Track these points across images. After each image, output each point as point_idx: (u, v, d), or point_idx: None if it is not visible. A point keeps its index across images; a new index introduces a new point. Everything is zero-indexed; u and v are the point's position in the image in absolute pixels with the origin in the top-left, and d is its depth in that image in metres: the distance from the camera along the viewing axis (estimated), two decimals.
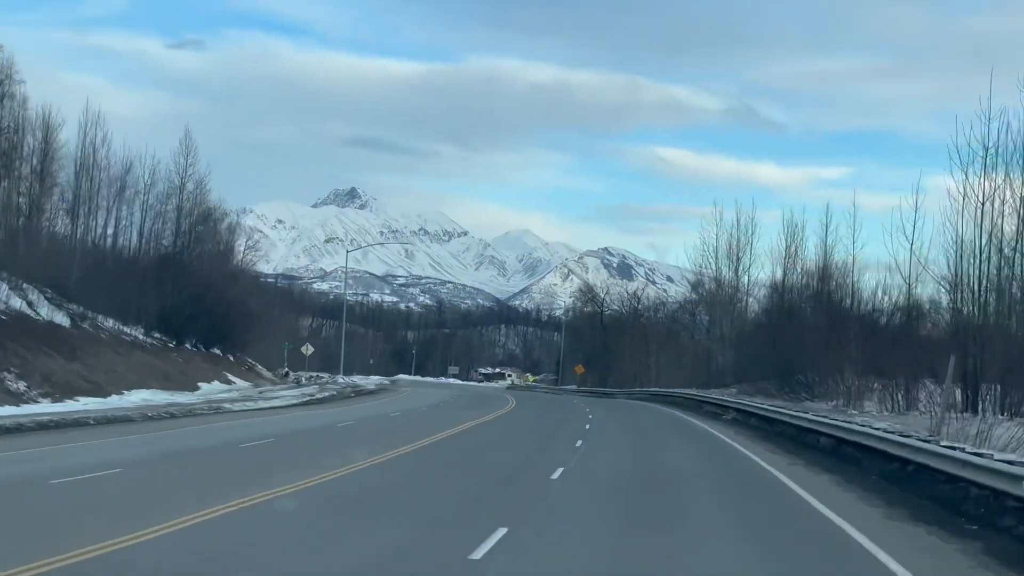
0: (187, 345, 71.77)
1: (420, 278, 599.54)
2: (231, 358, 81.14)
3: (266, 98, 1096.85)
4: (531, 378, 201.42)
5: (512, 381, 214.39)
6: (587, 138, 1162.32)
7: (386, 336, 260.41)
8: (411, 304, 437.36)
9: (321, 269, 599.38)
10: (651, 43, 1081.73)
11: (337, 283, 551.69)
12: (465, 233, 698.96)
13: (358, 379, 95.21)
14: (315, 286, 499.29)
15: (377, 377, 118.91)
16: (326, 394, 62.14)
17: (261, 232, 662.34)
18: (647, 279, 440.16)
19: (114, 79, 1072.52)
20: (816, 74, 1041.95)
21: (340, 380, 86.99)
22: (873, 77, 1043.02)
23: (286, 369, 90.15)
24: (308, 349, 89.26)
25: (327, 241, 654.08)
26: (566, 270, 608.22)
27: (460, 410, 50.46)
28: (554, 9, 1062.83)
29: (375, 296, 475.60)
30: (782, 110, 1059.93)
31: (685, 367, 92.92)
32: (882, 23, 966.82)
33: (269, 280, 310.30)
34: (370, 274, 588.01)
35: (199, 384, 62.48)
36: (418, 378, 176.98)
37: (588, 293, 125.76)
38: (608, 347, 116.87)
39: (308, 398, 56.89)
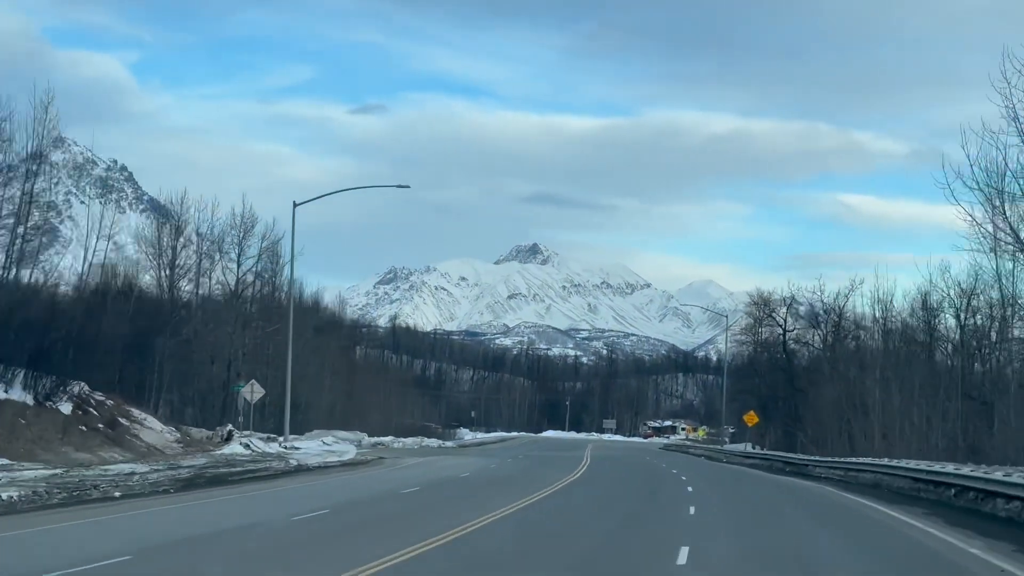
0: None
1: (603, 331, 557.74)
2: (64, 410, 40.33)
3: (447, 158, 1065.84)
4: (702, 433, 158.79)
5: (686, 436, 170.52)
6: (768, 186, 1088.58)
7: (544, 387, 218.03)
8: (593, 357, 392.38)
9: (504, 325, 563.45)
10: (830, 88, 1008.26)
11: (520, 338, 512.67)
12: (648, 285, 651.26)
13: (312, 444, 51.70)
14: (498, 341, 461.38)
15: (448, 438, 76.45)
16: None
17: (445, 290, 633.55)
18: (835, 327, 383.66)
19: (299, 145, 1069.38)
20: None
21: (271, 447, 44.91)
22: None
23: (229, 428, 48.58)
24: (253, 391, 47.45)
25: (510, 297, 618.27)
26: (753, 320, 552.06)
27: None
28: (730, 59, 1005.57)
29: (556, 350, 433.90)
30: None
31: (937, 414, 47.49)
32: None
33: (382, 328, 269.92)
34: (553, 328, 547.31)
35: None
36: (549, 434, 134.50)
37: (763, 307, 79.86)
38: (795, 386, 71.54)
39: None
